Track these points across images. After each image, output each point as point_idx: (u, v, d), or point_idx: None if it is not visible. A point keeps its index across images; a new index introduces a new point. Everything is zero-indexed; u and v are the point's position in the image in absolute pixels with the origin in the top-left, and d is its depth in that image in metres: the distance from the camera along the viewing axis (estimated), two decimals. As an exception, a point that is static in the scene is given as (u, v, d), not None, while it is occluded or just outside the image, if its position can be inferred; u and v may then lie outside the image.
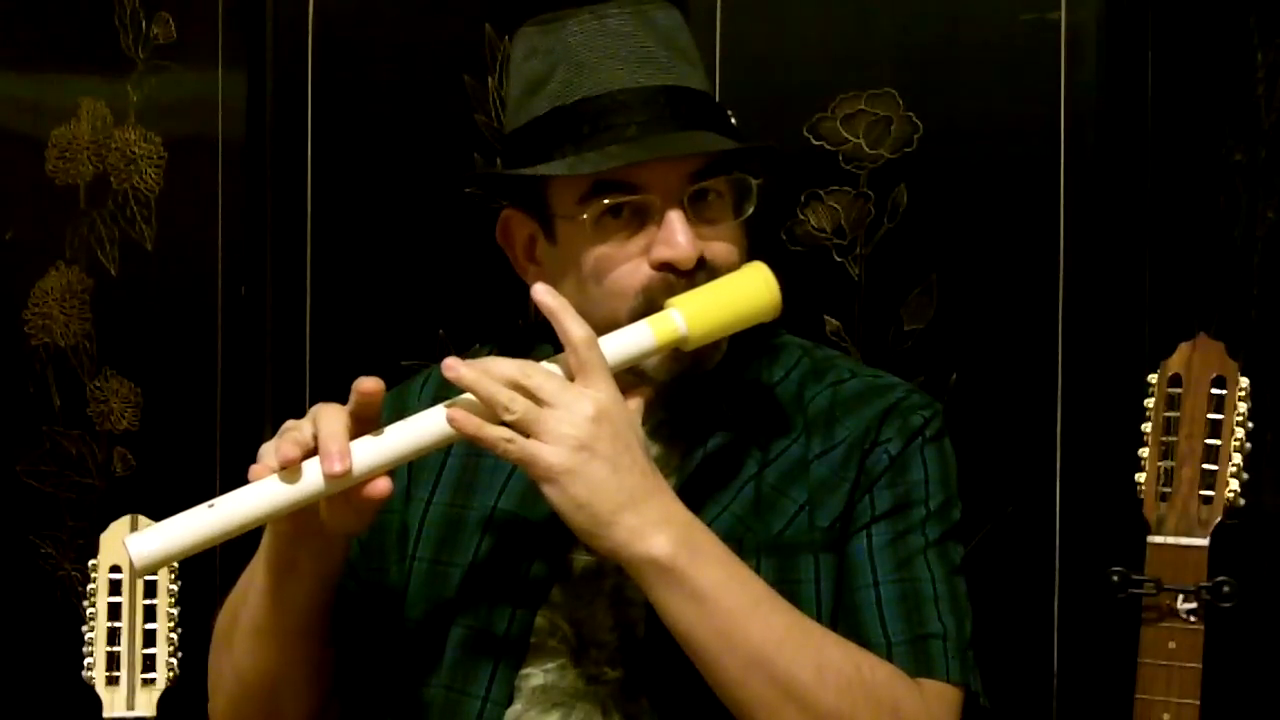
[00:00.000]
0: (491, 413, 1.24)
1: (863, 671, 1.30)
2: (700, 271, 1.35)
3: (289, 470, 1.22)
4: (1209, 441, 1.62)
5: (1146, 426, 1.65)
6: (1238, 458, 1.61)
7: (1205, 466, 1.62)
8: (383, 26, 2.16)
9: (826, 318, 2.00)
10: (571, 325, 1.26)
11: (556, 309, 1.26)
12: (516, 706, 1.38)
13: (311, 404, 1.29)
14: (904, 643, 1.35)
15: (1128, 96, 1.96)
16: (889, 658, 1.34)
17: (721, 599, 1.26)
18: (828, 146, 2.00)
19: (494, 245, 1.46)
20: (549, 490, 1.24)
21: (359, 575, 1.43)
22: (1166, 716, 1.58)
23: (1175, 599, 1.59)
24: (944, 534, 1.40)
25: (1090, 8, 1.94)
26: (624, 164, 1.32)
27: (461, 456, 1.46)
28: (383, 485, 1.24)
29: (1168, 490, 1.62)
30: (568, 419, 1.23)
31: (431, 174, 2.12)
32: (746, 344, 1.42)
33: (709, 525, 1.31)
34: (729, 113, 1.42)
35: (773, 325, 1.40)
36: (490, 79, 2.10)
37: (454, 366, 1.25)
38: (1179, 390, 1.65)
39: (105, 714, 1.79)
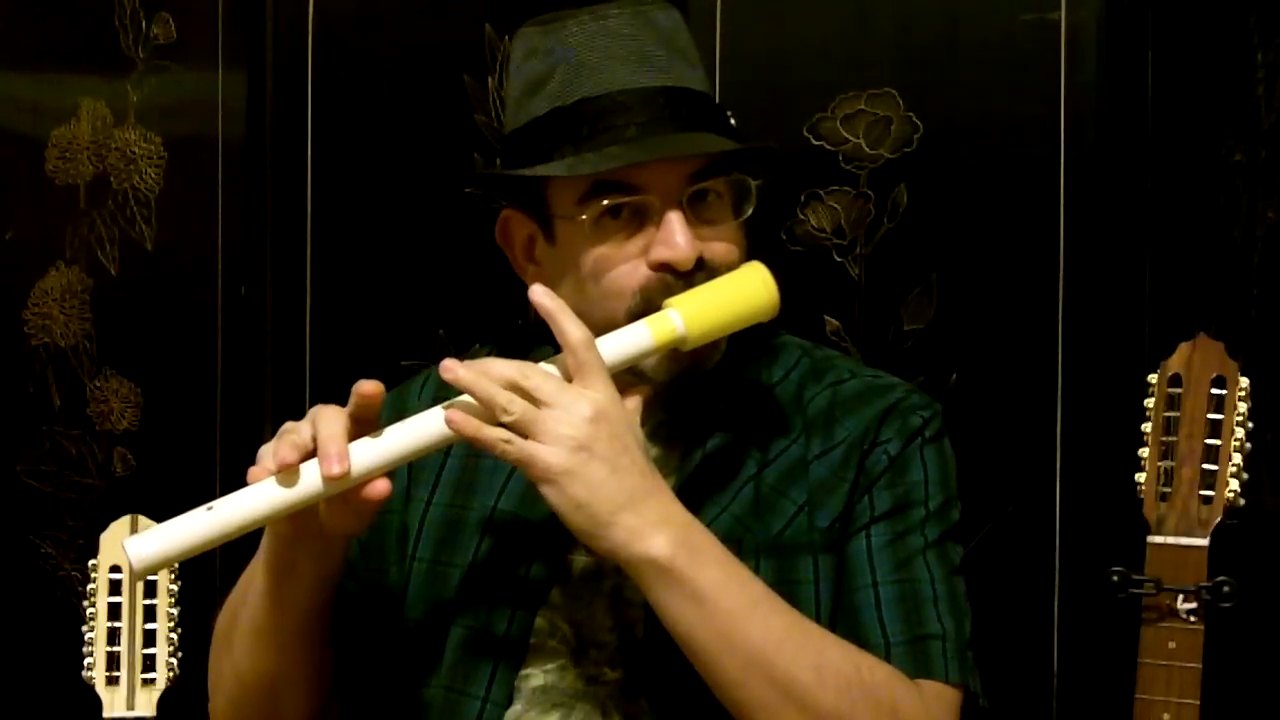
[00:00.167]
0: (490, 414, 1.24)
1: (862, 672, 1.30)
2: (699, 272, 1.35)
3: (287, 472, 1.22)
4: (1209, 441, 1.62)
5: (1146, 426, 1.65)
6: (1238, 458, 1.61)
7: (1205, 466, 1.62)
8: (383, 27, 2.16)
9: (826, 318, 2.00)
10: (569, 326, 1.26)
11: (553, 310, 1.26)
12: (516, 707, 1.38)
13: (311, 404, 1.29)
14: (903, 643, 1.35)
15: (1128, 96, 1.96)
16: (888, 658, 1.34)
17: (720, 599, 1.26)
18: (828, 146, 2.00)
19: (494, 245, 1.46)
20: (547, 491, 1.24)
21: (359, 576, 1.43)
22: (1166, 716, 1.58)
23: (1175, 599, 1.59)
24: (943, 534, 1.40)
25: (1090, 8, 1.94)
26: (623, 165, 1.32)
27: (461, 457, 1.46)
28: (381, 486, 1.24)
29: (1168, 490, 1.62)
30: (566, 420, 1.23)
31: (431, 174, 2.12)
32: (746, 344, 1.42)
33: (708, 526, 1.31)
34: (728, 113, 1.42)
35: (772, 325, 1.40)
36: (490, 79, 2.10)
37: (451, 368, 1.25)
38: (1179, 390, 1.64)
39: (105, 714, 1.79)
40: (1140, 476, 1.64)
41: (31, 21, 2.30)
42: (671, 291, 1.34)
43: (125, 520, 1.80)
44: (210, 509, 1.22)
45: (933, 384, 1.95)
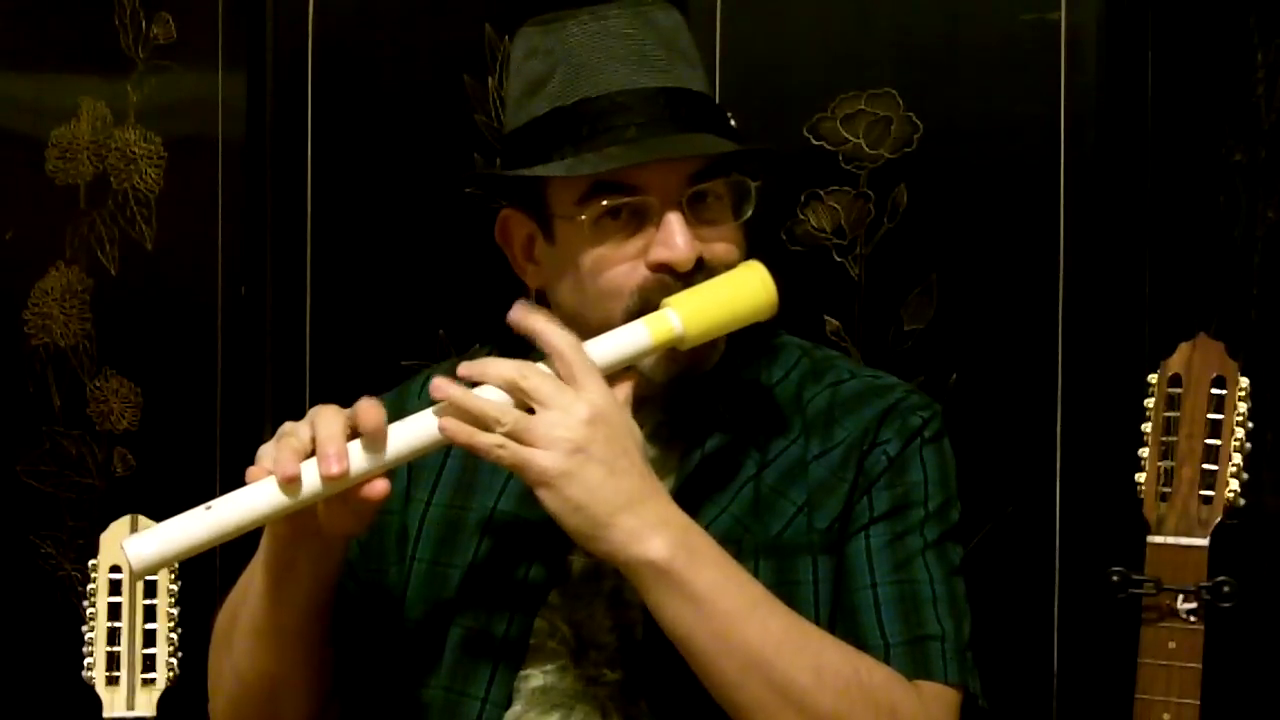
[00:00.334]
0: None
1: (860, 674, 1.30)
2: (698, 273, 1.34)
3: (286, 472, 1.22)
4: (1209, 441, 1.62)
5: (1146, 426, 1.65)
6: (1238, 458, 1.61)
7: (1205, 466, 1.62)
8: (383, 27, 2.16)
9: (826, 318, 2.00)
10: (551, 336, 1.26)
11: (534, 326, 1.26)
12: (516, 708, 1.38)
13: (311, 404, 1.28)
14: (902, 644, 1.34)
15: (1128, 96, 1.96)
16: (887, 659, 1.34)
17: (718, 601, 1.26)
18: (828, 146, 2.00)
19: (494, 245, 1.46)
20: (544, 495, 1.23)
21: (358, 576, 1.43)
22: (1166, 716, 1.58)
23: (1175, 599, 1.59)
24: (943, 535, 1.40)
25: (1090, 8, 1.94)
26: (623, 166, 1.32)
27: (461, 458, 1.46)
28: (380, 486, 1.24)
29: (1168, 490, 1.62)
30: (562, 422, 1.23)
31: (431, 174, 2.12)
32: (745, 344, 1.42)
33: (707, 527, 1.31)
34: (729, 115, 1.42)
35: (772, 325, 1.40)
36: (490, 79, 2.10)
37: (441, 387, 1.25)
38: (1179, 390, 1.64)
39: (105, 714, 1.79)
40: (1140, 476, 1.64)
41: (31, 21, 2.30)
42: (670, 292, 1.33)
43: (125, 520, 1.80)
44: (209, 509, 1.22)
45: (933, 384, 1.95)
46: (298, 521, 1.26)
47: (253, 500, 1.22)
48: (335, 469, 1.21)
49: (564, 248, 1.38)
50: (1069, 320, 1.95)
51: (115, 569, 1.80)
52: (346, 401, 1.26)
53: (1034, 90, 1.95)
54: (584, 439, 1.23)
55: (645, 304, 1.34)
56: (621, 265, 1.35)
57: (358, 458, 1.23)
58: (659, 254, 1.34)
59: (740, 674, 1.26)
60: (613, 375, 1.29)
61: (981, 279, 1.97)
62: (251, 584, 1.36)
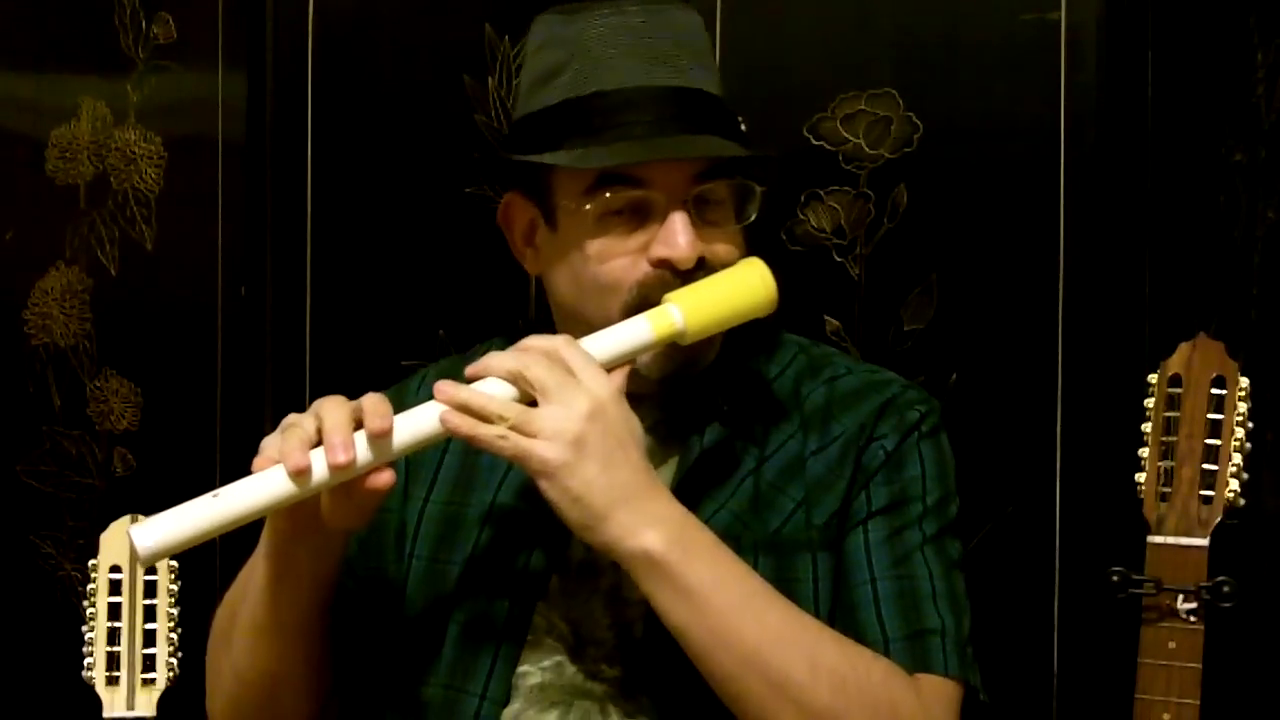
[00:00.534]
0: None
1: (858, 669, 1.30)
2: (698, 272, 1.36)
3: (293, 461, 1.22)
4: (1209, 441, 1.62)
5: (1146, 426, 1.65)
6: (1238, 458, 1.61)
7: (1205, 466, 1.62)
8: (383, 27, 2.16)
9: (826, 318, 2.00)
10: (537, 342, 1.27)
11: (517, 354, 1.27)
12: (514, 705, 1.38)
13: (311, 404, 1.29)
14: (901, 639, 1.35)
15: (1128, 96, 1.96)
16: (886, 654, 1.34)
17: (714, 595, 1.26)
18: (828, 146, 2.00)
19: (494, 246, 1.46)
20: (545, 485, 1.24)
21: (357, 573, 1.43)
22: (1166, 716, 1.58)
23: (1175, 599, 1.59)
24: (941, 529, 1.40)
25: (1090, 8, 1.94)
26: (631, 161, 1.33)
27: (459, 454, 1.46)
28: (385, 478, 1.25)
29: (1168, 490, 1.62)
30: (563, 414, 1.24)
31: (431, 174, 2.12)
32: (743, 340, 1.43)
33: (707, 523, 1.32)
34: (739, 118, 1.42)
35: (772, 325, 1.40)
36: (490, 79, 2.10)
37: (444, 389, 1.26)
38: (1179, 390, 1.64)
39: (105, 714, 1.79)
40: (1140, 476, 1.64)
41: (31, 21, 2.29)
42: (670, 288, 1.34)
43: (125, 520, 1.81)
44: (216, 496, 1.22)
45: (933, 384, 1.95)
46: (299, 517, 1.27)
47: (259, 488, 1.23)
48: (342, 457, 1.22)
49: (565, 236, 1.39)
50: (1069, 320, 1.95)
51: (115, 569, 1.80)
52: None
53: (1034, 90, 1.95)
54: (584, 431, 1.24)
55: (645, 299, 1.35)
56: (622, 259, 1.36)
57: (363, 448, 1.23)
58: (661, 251, 1.35)
59: (737, 667, 1.26)
60: (608, 369, 1.30)
61: (981, 279, 1.97)
62: (251, 581, 1.36)
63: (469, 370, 1.29)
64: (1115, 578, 1.62)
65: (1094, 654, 1.93)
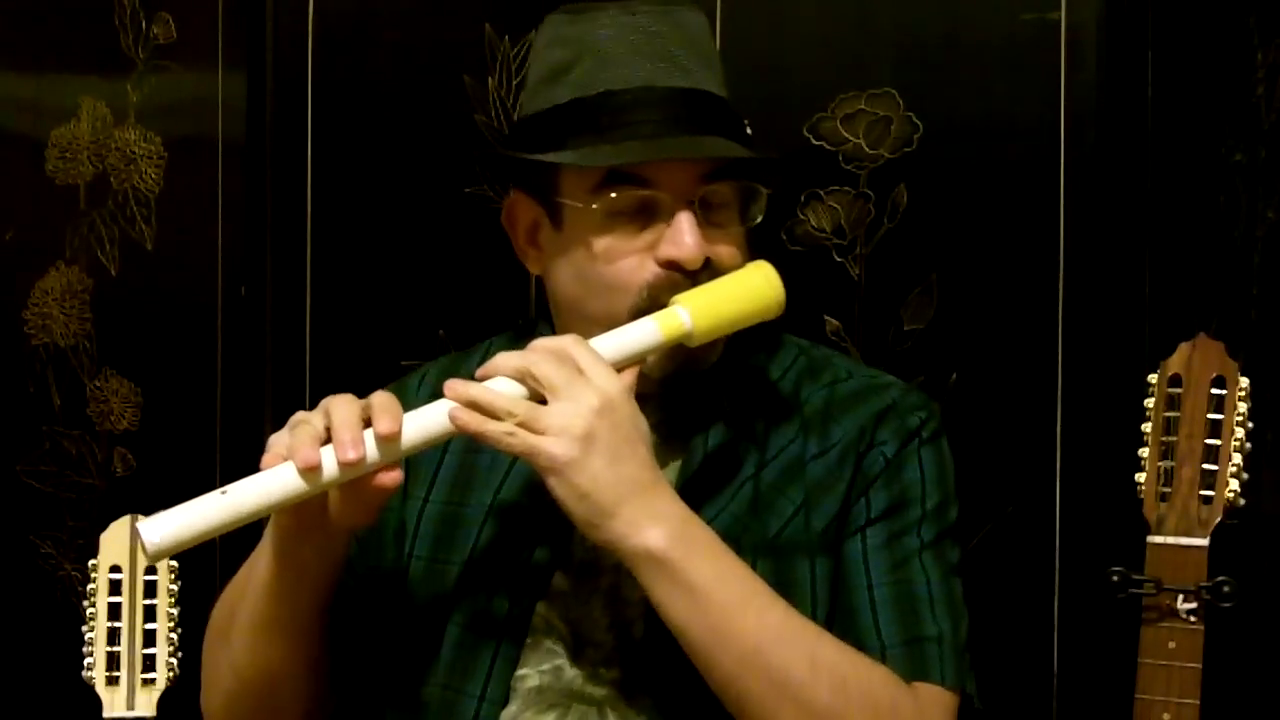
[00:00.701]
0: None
1: (858, 671, 1.30)
2: (704, 273, 1.36)
3: (302, 458, 1.22)
4: (1209, 441, 1.62)
5: (1146, 426, 1.65)
6: (1238, 458, 1.61)
7: (1205, 466, 1.62)
8: (383, 26, 2.15)
9: (826, 318, 2.00)
10: (546, 342, 1.27)
11: (520, 361, 1.26)
12: (512, 707, 1.38)
13: (312, 403, 1.29)
14: (898, 645, 1.35)
15: (1128, 96, 1.96)
16: (883, 661, 1.34)
17: (715, 593, 1.26)
18: (828, 146, 2.00)
19: (494, 246, 1.46)
20: (553, 482, 1.25)
21: (356, 572, 1.43)
22: (1166, 716, 1.58)
23: (1175, 599, 1.59)
24: (940, 535, 1.40)
25: (1090, 8, 1.94)
26: (640, 160, 1.33)
27: (459, 454, 1.46)
28: (394, 476, 1.25)
29: (1168, 490, 1.62)
30: (572, 411, 1.24)
31: (431, 174, 2.12)
32: (744, 341, 1.43)
33: (707, 524, 1.31)
34: (745, 121, 1.42)
35: (772, 325, 1.41)
36: (490, 79, 2.10)
37: (453, 386, 1.26)
38: (1179, 390, 1.64)
39: (105, 714, 1.79)
40: (1140, 476, 1.64)
41: (31, 21, 2.29)
42: (678, 289, 1.35)
43: (125, 520, 1.81)
44: (224, 493, 1.22)
45: (933, 384, 1.95)
46: (305, 514, 1.27)
47: (268, 485, 1.23)
48: (352, 455, 1.22)
49: (571, 235, 1.39)
50: (1069, 320, 1.95)
51: (115, 569, 1.80)
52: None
53: (1034, 90, 1.95)
54: (593, 427, 1.24)
55: (653, 300, 1.35)
56: (629, 259, 1.36)
57: (372, 446, 1.24)
58: (668, 251, 1.35)
59: (737, 665, 1.27)
60: (616, 370, 1.30)
61: (981, 279, 1.97)
62: (253, 578, 1.36)
63: (479, 371, 1.29)
64: (1115, 578, 1.61)
65: (1094, 654, 1.93)
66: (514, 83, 2.08)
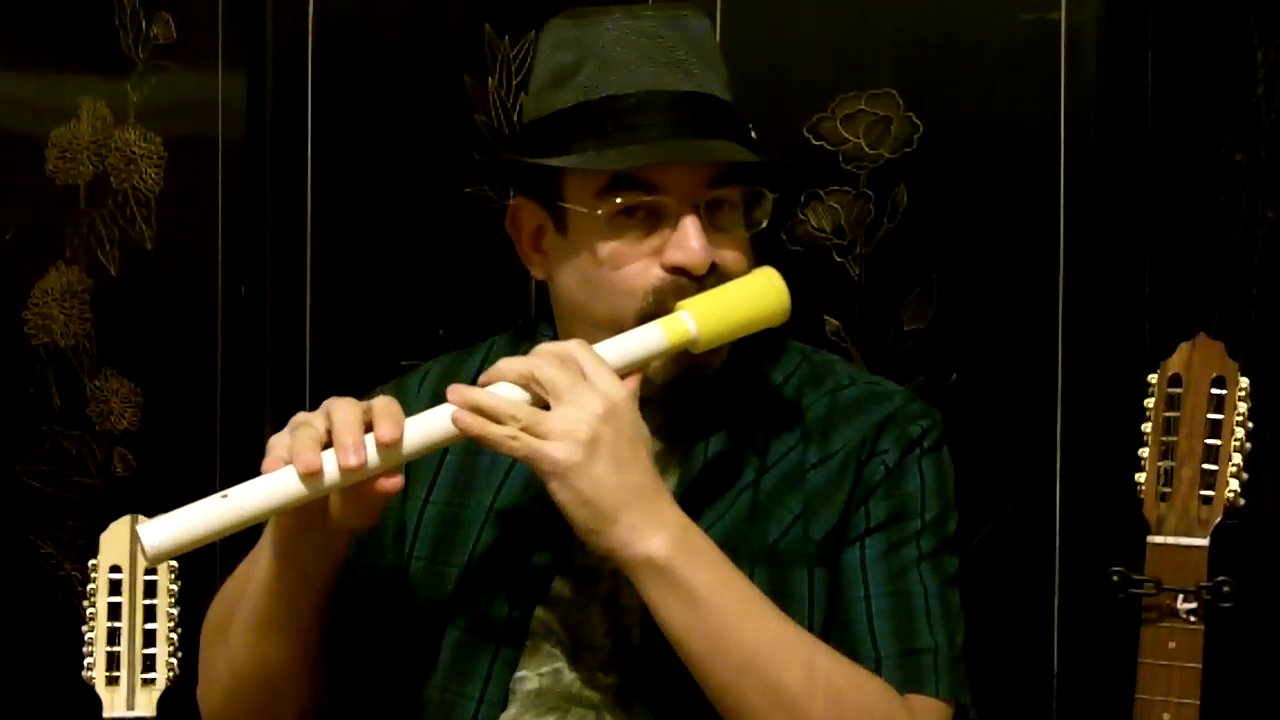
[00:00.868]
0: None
1: (853, 682, 1.30)
2: (710, 277, 1.36)
3: (303, 462, 1.22)
4: (1209, 441, 1.62)
5: (1146, 426, 1.65)
6: (1238, 458, 1.61)
7: (1205, 466, 1.61)
8: (383, 26, 2.15)
9: (826, 318, 2.00)
10: (551, 347, 1.27)
11: (524, 367, 1.26)
12: (511, 710, 1.38)
13: (312, 404, 1.29)
14: (894, 657, 1.35)
15: (1128, 96, 1.96)
16: (879, 672, 1.34)
17: (715, 602, 1.26)
18: (828, 146, 2.00)
19: (494, 245, 1.46)
20: (555, 486, 1.24)
21: (355, 572, 1.43)
22: (1166, 716, 1.58)
23: (1175, 599, 1.59)
24: (938, 546, 1.40)
25: (1090, 8, 1.94)
26: (645, 164, 1.33)
27: (459, 455, 1.46)
28: (394, 480, 1.25)
29: (1168, 490, 1.62)
30: (576, 415, 1.24)
31: (431, 174, 2.12)
32: (747, 347, 1.42)
33: (706, 532, 1.31)
34: (749, 125, 1.42)
35: (775, 329, 1.40)
36: (490, 79, 2.10)
37: (456, 390, 1.26)
38: (1179, 390, 1.64)
39: (105, 714, 1.79)
40: (1140, 476, 1.64)
41: (31, 21, 2.29)
42: (684, 294, 1.34)
43: (125, 520, 1.81)
44: (225, 496, 1.22)
45: (933, 384, 1.95)
46: (306, 515, 1.27)
47: (269, 489, 1.22)
48: (354, 460, 1.22)
49: (576, 240, 1.39)
50: (1069, 320, 1.95)
51: (115, 569, 1.80)
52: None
53: (1034, 90, 1.95)
54: (597, 433, 1.23)
55: (659, 305, 1.35)
56: (635, 263, 1.36)
57: (374, 450, 1.23)
58: (674, 256, 1.35)
59: (735, 675, 1.26)
60: (620, 376, 1.30)
61: (981, 279, 1.97)
62: (252, 577, 1.36)
63: (481, 376, 1.29)
64: (1115, 578, 1.61)
65: (1094, 654, 1.93)
66: (514, 83, 2.08)
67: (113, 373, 2.27)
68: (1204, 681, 1.58)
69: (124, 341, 2.27)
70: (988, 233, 1.97)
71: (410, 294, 2.13)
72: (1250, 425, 1.62)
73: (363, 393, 1.30)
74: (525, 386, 1.26)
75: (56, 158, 2.28)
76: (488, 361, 1.43)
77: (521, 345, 1.43)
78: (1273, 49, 1.95)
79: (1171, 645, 1.59)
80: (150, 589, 1.80)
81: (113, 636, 1.80)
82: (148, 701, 1.79)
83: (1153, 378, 1.66)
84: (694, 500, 1.36)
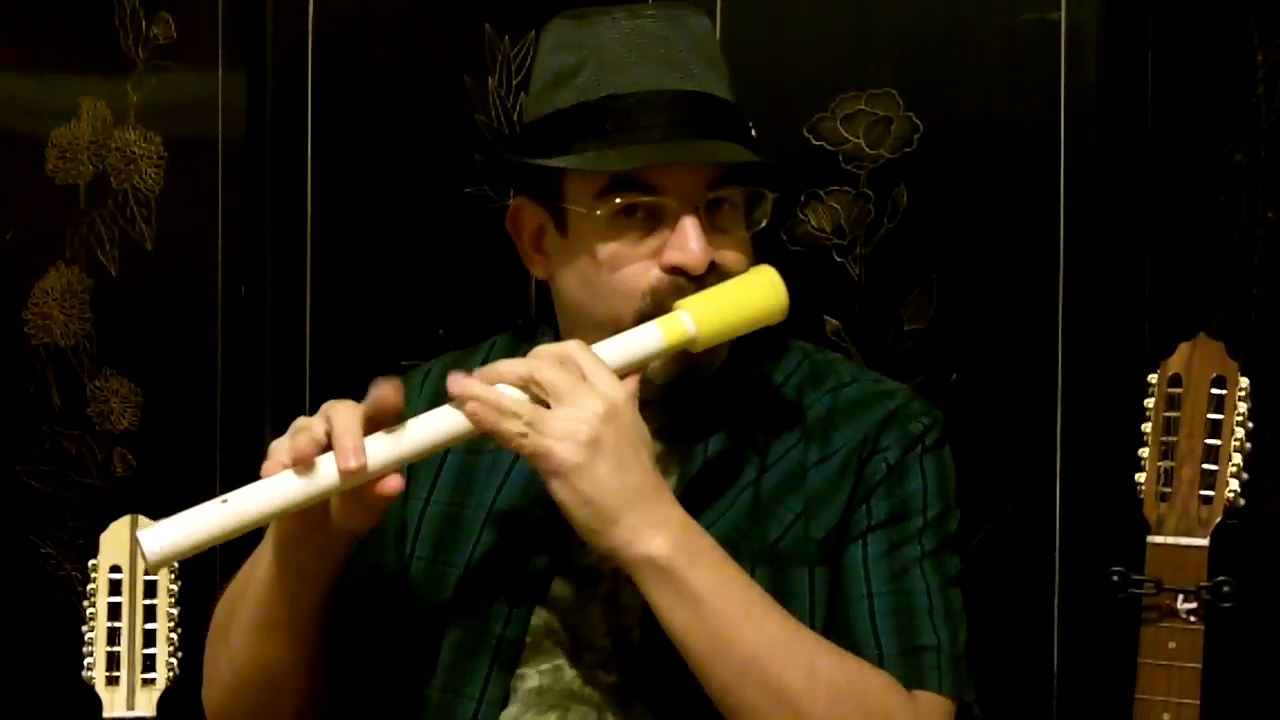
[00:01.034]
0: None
1: (854, 681, 1.30)
2: (709, 277, 1.35)
3: (304, 465, 1.22)
4: (1209, 441, 1.62)
5: (1146, 426, 1.65)
6: (1238, 458, 1.61)
7: (1205, 466, 1.62)
8: (383, 27, 2.16)
9: (826, 318, 2.00)
10: (551, 349, 1.27)
11: (530, 360, 1.26)
12: (512, 709, 1.38)
13: (312, 404, 1.29)
14: (896, 655, 1.35)
15: (1128, 96, 1.96)
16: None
17: (716, 602, 1.26)
18: (828, 146, 2.00)
19: (494, 246, 1.46)
20: (557, 486, 1.24)
21: (356, 571, 1.43)
22: (1166, 716, 1.58)
23: (1175, 599, 1.59)
24: (940, 544, 1.40)
25: (1090, 8, 1.94)
26: (645, 165, 1.33)
27: (460, 455, 1.46)
28: (395, 483, 1.25)
29: (1168, 490, 1.62)
30: (578, 415, 1.23)
31: (431, 174, 2.12)
32: (749, 345, 1.42)
33: (706, 531, 1.31)
34: (750, 125, 1.42)
35: (776, 328, 1.40)
36: (490, 79, 2.10)
37: (459, 381, 1.25)
38: (1179, 390, 1.64)
39: (105, 714, 1.79)
40: (1140, 476, 1.64)
41: (31, 21, 2.29)
42: (682, 294, 1.34)
43: (125, 520, 1.81)
44: (225, 501, 1.22)
45: (933, 384, 1.95)
46: (306, 518, 1.27)
47: (269, 493, 1.22)
48: (353, 463, 1.21)
49: (576, 241, 1.38)
50: (1069, 320, 1.95)
51: (115, 569, 1.80)
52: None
53: (1034, 90, 1.95)
54: (598, 433, 1.23)
55: (658, 306, 1.35)
56: (635, 264, 1.36)
57: (374, 452, 1.23)
58: (673, 256, 1.35)
59: (736, 675, 1.26)
60: (620, 376, 1.30)
61: (981, 279, 1.97)
62: (253, 578, 1.36)
63: (479, 376, 1.28)
64: (1115, 578, 1.61)
65: (1094, 654, 1.93)
66: (514, 83, 2.08)
67: (113, 373, 2.27)
68: (1204, 681, 1.58)
69: (124, 341, 2.27)
70: (988, 233, 1.97)
71: (410, 294, 2.13)
72: (1250, 425, 1.62)
73: (363, 393, 1.29)
74: (524, 388, 1.26)
75: (56, 158, 2.29)
76: (488, 361, 1.42)
77: (522, 345, 1.43)
78: (1273, 49, 1.95)
79: (1171, 645, 1.59)
80: (150, 589, 1.80)
81: (113, 636, 1.80)
82: (148, 701, 1.79)
83: (1153, 378, 1.66)
84: (694, 500, 1.36)
